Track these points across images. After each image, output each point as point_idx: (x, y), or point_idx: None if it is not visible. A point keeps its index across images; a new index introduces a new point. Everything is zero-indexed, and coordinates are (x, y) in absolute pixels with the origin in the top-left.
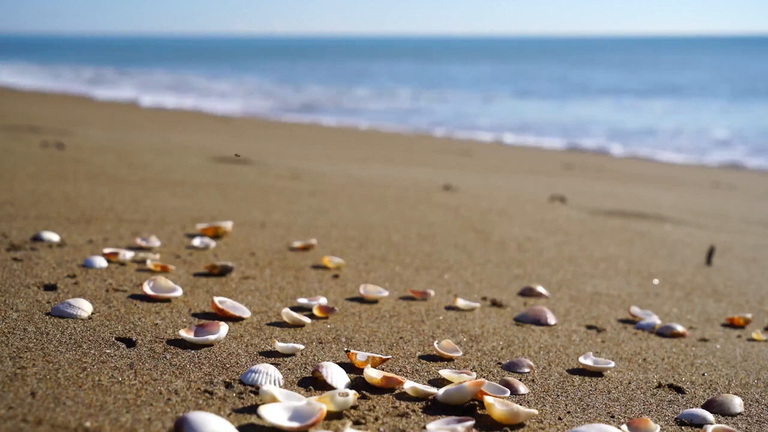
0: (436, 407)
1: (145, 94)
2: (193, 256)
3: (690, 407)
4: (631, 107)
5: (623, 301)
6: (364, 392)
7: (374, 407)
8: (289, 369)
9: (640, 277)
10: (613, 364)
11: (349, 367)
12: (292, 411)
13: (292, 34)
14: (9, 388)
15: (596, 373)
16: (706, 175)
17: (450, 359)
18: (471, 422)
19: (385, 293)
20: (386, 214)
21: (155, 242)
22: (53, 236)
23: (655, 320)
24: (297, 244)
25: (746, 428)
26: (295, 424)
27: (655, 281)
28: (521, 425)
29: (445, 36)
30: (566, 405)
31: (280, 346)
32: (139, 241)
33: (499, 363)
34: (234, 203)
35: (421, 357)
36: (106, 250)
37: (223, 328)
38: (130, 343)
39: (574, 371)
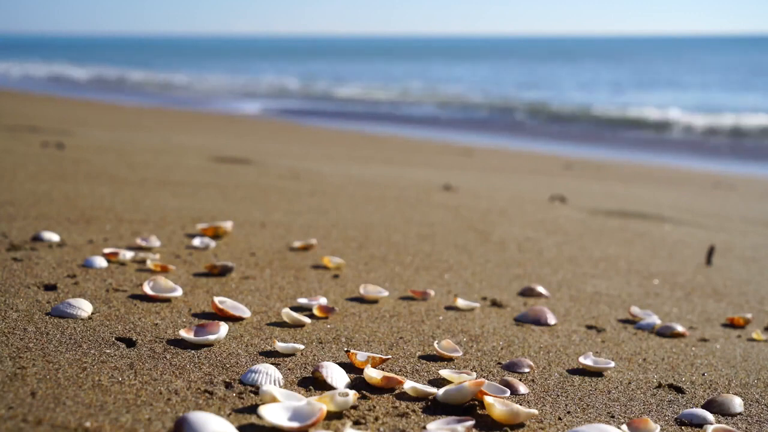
0: (436, 407)
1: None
2: (193, 256)
3: (690, 407)
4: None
5: (623, 301)
6: (364, 392)
7: (374, 407)
8: (289, 369)
9: (640, 277)
10: (613, 364)
11: (349, 367)
12: (292, 411)
13: (293, 34)
14: (9, 388)
15: (596, 373)
16: (706, 175)
17: (450, 359)
18: (471, 422)
19: (385, 293)
20: (386, 214)
21: (155, 242)
22: (53, 236)
23: (655, 320)
24: (297, 244)
25: (746, 428)
26: (295, 424)
27: (655, 281)
28: (521, 425)
29: (446, 36)
30: (566, 405)
31: (280, 346)
32: (139, 241)
33: (499, 363)
34: (234, 203)
35: (421, 357)
36: (106, 250)
37: (223, 328)
38: (130, 343)
39: (574, 371)
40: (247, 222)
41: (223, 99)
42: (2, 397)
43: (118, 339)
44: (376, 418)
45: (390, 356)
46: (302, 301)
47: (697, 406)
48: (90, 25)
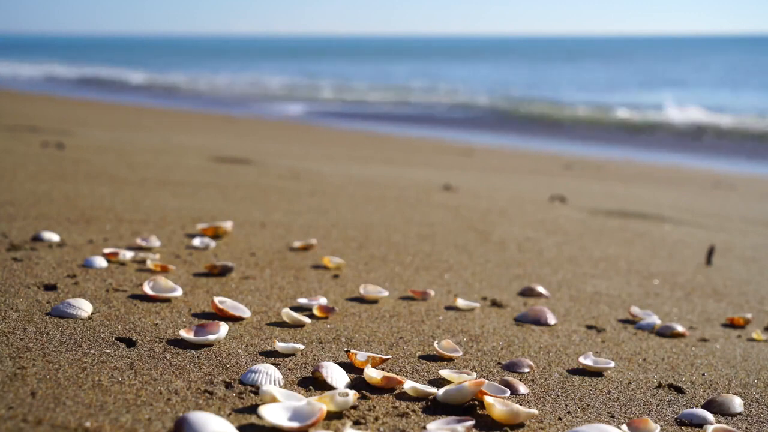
0: (436, 407)
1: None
2: (193, 256)
3: (690, 407)
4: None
5: (623, 301)
6: (364, 392)
7: (374, 407)
8: (289, 369)
9: (640, 277)
10: (613, 364)
11: (349, 367)
12: (292, 411)
13: (293, 34)
14: (9, 388)
15: (596, 373)
16: (706, 175)
17: (450, 359)
18: (471, 422)
19: (385, 293)
20: (386, 214)
21: (155, 242)
22: (53, 236)
23: (655, 320)
24: (297, 244)
25: (746, 428)
26: (295, 424)
27: (655, 281)
28: (521, 425)
29: (446, 36)
30: (566, 405)
31: (280, 346)
32: (139, 241)
33: (499, 363)
34: (234, 203)
35: (421, 357)
36: (106, 250)
37: (223, 328)
38: (130, 343)
39: (574, 371)
40: (247, 222)
41: (240, 102)
42: (2, 397)
43: (118, 339)
44: (376, 418)
45: (390, 356)
46: (302, 301)
47: (697, 406)
48: (90, 25)
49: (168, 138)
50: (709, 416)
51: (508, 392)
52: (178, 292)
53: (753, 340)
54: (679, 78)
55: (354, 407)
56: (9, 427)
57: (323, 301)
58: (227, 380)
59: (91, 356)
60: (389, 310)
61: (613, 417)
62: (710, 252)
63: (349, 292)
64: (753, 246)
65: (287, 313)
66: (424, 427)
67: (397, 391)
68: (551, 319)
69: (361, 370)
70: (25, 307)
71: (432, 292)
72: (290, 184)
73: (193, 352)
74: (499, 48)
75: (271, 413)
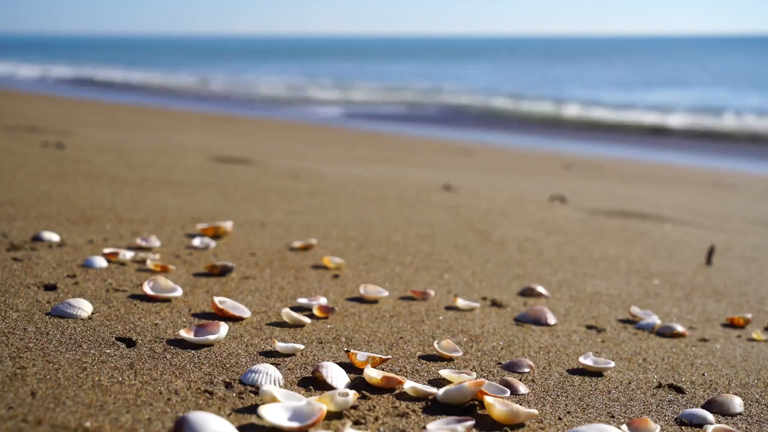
0: (436, 407)
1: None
2: (193, 256)
3: (690, 407)
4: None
5: (623, 301)
6: (364, 392)
7: (374, 407)
8: (289, 369)
9: (640, 277)
10: (613, 364)
11: (349, 367)
12: (292, 411)
13: (293, 34)
14: (9, 388)
15: (596, 373)
16: (706, 175)
17: (450, 359)
18: (471, 422)
19: (385, 293)
20: (386, 214)
21: (155, 242)
22: (53, 236)
23: (655, 320)
24: (297, 244)
25: (746, 428)
26: (295, 424)
27: (655, 281)
28: (521, 425)
29: (446, 36)
30: (566, 405)
31: (280, 346)
32: (139, 241)
33: (499, 363)
34: (234, 203)
35: (421, 357)
36: (106, 250)
37: (223, 328)
38: (130, 343)
39: (574, 371)
40: (247, 222)
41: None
42: (2, 397)
43: (118, 339)
44: (376, 418)
45: (390, 356)
46: (302, 301)
47: (697, 406)
48: (90, 25)
49: (168, 138)
50: (709, 416)
51: (508, 392)
52: (178, 292)
53: (753, 340)
54: (680, 78)
55: (354, 407)
56: (9, 427)
57: (323, 301)
58: (227, 380)
59: (91, 356)
60: (389, 310)
61: (613, 417)
62: (710, 252)
63: (349, 292)
64: (753, 246)
65: (287, 313)
66: (424, 427)
67: (397, 391)
68: (551, 319)
69: (361, 370)
70: (25, 307)
71: (432, 292)
72: (290, 184)
73: (193, 352)
74: (499, 48)
75: (271, 413)
